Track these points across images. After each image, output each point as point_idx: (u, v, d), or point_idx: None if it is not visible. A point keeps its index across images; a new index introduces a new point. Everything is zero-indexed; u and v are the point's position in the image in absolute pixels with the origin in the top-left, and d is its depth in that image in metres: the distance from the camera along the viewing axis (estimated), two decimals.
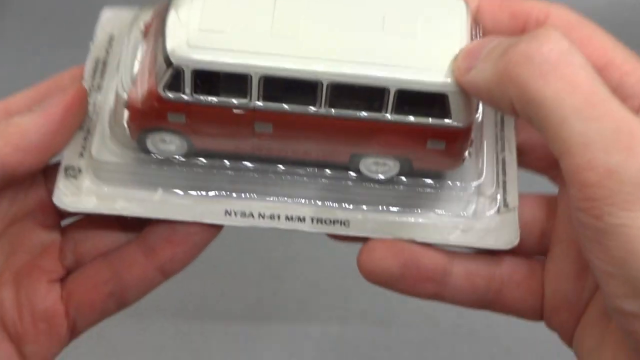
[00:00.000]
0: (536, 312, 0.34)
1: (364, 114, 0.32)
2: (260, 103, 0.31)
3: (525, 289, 0.34)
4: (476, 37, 0.32)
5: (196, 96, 0.31)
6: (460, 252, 0.34)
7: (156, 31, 0.32)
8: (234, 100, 0.31)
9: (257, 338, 0.61)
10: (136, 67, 0.33)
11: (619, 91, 0.30)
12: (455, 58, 0.31)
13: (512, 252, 0.34)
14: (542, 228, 0.34)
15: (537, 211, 0.34)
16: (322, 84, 0.31)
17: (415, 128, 0.32)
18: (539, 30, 0.28)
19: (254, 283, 0.62)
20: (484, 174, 0.35)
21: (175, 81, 0.31)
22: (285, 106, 0.32)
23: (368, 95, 0.31)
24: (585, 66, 0.28)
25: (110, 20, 0.37)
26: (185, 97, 0.31)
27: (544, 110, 0.27)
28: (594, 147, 0.26)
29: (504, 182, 0.35)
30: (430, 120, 0.32)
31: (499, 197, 0.34)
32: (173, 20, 0.31)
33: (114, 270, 0.34)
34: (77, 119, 0.33)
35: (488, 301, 0.34)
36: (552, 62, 0.27)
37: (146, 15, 0.35)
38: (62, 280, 0.34)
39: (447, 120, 0.32)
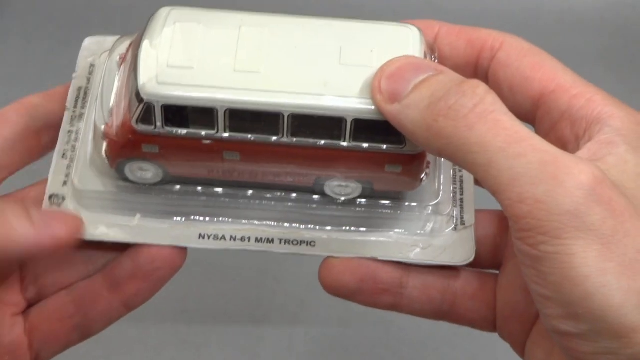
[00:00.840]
0: (490, 323, 0.36)
1: (324, 142, 0.33)
2: (227, 134, 0.33)
3: (479, 301, 0.36)
4: (430, 57, 0.34)
5: (167, 128, 0.33)
6: (416, 265, 0.35)
7: (129, 64, 0.34)
8: (203, 132, 0.33)
9: (256, 337, 0.61)
10: (112, 99, 0.35)
11: (567, 114, 0.32)
12: (377, 75, 0.32)
13: (466, 265, 0.35)
14: (496, 243, 0.36)
15: (491, 227, 0.36)
16: (283, 116, 0.32)
17: (373, 154, 0.34)
18: (467, 83, 0.30)
19: (253, 283, 0.62)
20: (441, 193, 0.36)
21: (147, 115, 0.33)
22: (251, 136, 0.33)
23: (327, 124, 0.33)
24: (507, 112, 0.29)
25: (91, 49, 0.39)
26: (157, 129, 0.33)
27: (472, 155, 0.28)
28: (522, 181, 0.27)
29: (461, 200, 0.37)
30: (385, 147, 0.33)
31: (455, 214, 0.36)
32: (144, 57, 0.33)
33: (78, 304, 0.35)
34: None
35: (443, 313, 0.36)
36: (478, 113, 0.29)
37: (122, 45, 0.37)
38: (24, 312, 0.35)
39: (401, 147, 0.33)
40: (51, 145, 0.36)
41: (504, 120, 0.28)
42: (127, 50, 0.36)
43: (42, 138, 0.36)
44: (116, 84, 0.35)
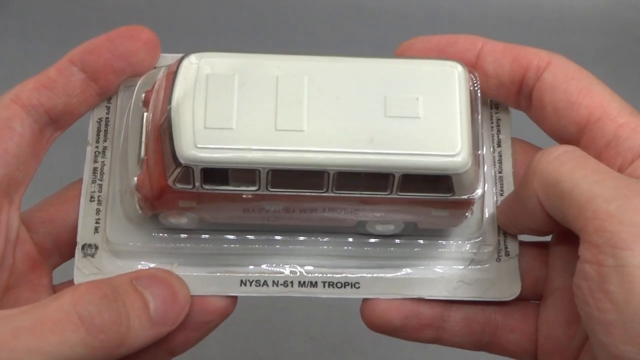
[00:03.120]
0: (530, 356, 0.36)
1: (370, 193, 0.33)
2: (269, 190, 0.32)
3: (520, 333, 0.35)
4: (474, 94, 0.34)
5: (206, 187, 0.32)
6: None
7: (158, 102, 0.33)
8: (243, 188, 0.32)
9: (256, 337, 0.61)
10: (142, 149, 0.33)
11: (613, 144, 0.32)
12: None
13: None
14: (536, 275, 0.36)
15: (531, 259, 0.36)
16: (328, 174, 0.32)
17: (420, 201, 0.33)
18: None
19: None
20: (484, 224, 0.36)
21: (186, 176, 0.32)
22: (294, 192, 0.32)
23: (374, 178, 0.32)
24: (590, 157, 0.31)
25: None
26: (195, 189, 0.32)
27: (561, 184, 0.30)
28: (598, 200, 0.29)
29: (504, 230, 0.36)
30: (434, 195, 0.33)
31: (500, 245, 0.36)
32: (178, 117, 0.31)
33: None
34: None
35: (484, 344, 0.36)
36: (569, 152, 0.31)
37: (145, 82, 0.35)
38: None
39: (449, 195, 0.33)
40: (54, 136, 0.35)
41: (589, 158, 0.31)
42: (152, 88, 0.34)
43: (45, 134, 0.35)
44: (143, 130, 0.34)
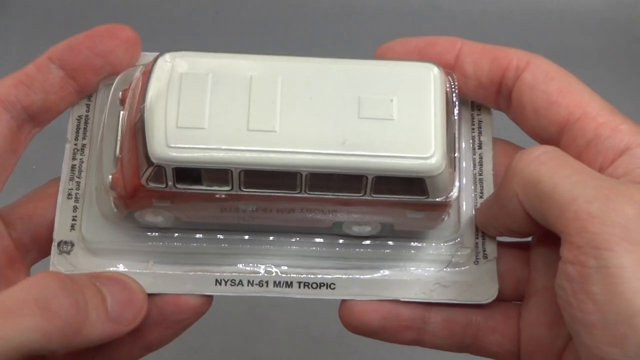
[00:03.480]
0: (513, 356, 0.35)
1: (343, 194, 0.32)
2: (242, 190, 0.32)
3: (501, 334, 0.35)
4: (451, 95, 0.33)
5: (179, 186, 0.32)
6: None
7: (134, 101, 0.33)
8: (216, 188, 0.32)
9: (255, 336, 0.61)
10: (117, 148, 0.33)
11: (593, 144, 0.32)
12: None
13: None
14: (517, 276, 0.35)
15: (512, 260, 0.36)
16: (301, 175, 0.31)
17: (395, 202, 0.33)
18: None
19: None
20: (462, 226, 0.35)
21: (158, 175, 0.32)
22: (267, 192, 0.32)
23: (347, 179, 0.32)
24: (570, 157, 0.31)
25: None
26: (168, 188, 0.32)
27: (541, 184, 0.30)
28: (579, 201, 0.29)
29: (483, 232, 0.36)
30: (408, 198, 0.33)
31: (477, 247, 0.35)
32: (151, 116, 0.31)
33: (100, 349, 0.34)
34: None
35: (466, 346, 0.36)
36: (548, 152, 0.31)
37: (123, 80, 0.35)
38: None
39: (424, 198, 0.33)
40: (33, 133, 0.35)
41: (569, 158, 0.31)
42: (129, 87, 0.34)
43: (24, 131, 0.35)
44: (119, 129, 0.34)
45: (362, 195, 0.32)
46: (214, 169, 0.31)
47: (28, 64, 0.36)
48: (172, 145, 0.31)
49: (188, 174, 0.32)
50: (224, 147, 0.31)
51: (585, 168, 0.30)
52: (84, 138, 0.36)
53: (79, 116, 0.36)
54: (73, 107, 0.36)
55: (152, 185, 0.32)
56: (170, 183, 0.32)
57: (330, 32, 0.71)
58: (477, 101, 0.36)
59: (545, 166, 0.30)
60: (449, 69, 0.34)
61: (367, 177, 0.32)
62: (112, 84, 0.35)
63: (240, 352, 0.61)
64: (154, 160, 0.31)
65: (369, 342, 0.63)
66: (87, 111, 0.36)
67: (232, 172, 0.31)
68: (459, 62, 0.34)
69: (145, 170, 0.32)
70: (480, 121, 0.37)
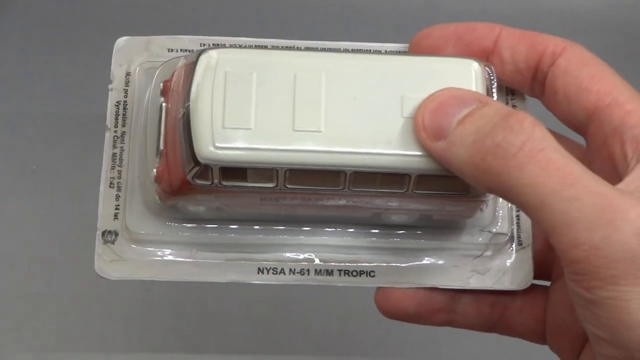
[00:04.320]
0: (539, 337, 0.36)
1: (385, 190, 0.33)
2: (286, 187, 0.33)
3: (527, 314, 0.36)
4: (490, 88, 0.33)
5: (225, 183, 0.32)
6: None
7: (176, 95, 0.33)
8: (262, 185, 0.33)
9: (256, 336, 0.61)
10: (161, 141, 0.34)
11: (619, 131, 0.31)
12: (419, 110, 0.31)
13: None
14: (544, 258, 0.36)
15: (539, 242, 0.36)
16: (345, 174, 0.32)
17: (435, 197, 0.33)
18: (513, 116, 0.29)
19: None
20: (499, 213, 0.36)
21: (204, 173, 0.32)
22: (311, 187, 0.33)
23: (390, 177, 0.32)
24: (558, 148, 0.28)
25: (122, 53, 0.37)
26: (213, 185, 0.33)
27: (524, 197, 0.28)
28: (577, 226, 0.27)
29: (518, 217, 0.36)
30: (449, 193, 0.33)
31: (513, 235, 0.36)
32: (197, 116, 0.32)
33: None
34: None
35: (493, 325, 0.36)
36: (527, 151, 0.28)
37: (165, 70, 0.35)
38: None
39: (466, 194, 0.33)
40: None
41: (555, 158, 0.28)
42: (171, 78, 0.34)
43: None
44: (162, 122, 0.34)
45: (404, 192, 0.33)
46: (260, 168, 0.32)
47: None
48: (219, 146, 0.31)
49: (234, 172, 0.32)
50: (270, 148, 0.31)
51: (574, 170, 0.28)
52: (123, 125, 0.36)
53: (117, 102, 0.36)
54: (111, 90, 0.36)
55: (197, 182, 0.32)
56: (216, 181, 0.32)
57: (330, 32, 0.71)
58: (513, 87, 0.36)
59: (526, 172, 0.28)
60: (487, 54, 0.35)
61: (410, 176, 0.32)
62: (150, 68, 0.36)
63: (241, 353, 0.61)
64: (200, 161, 0.31)
65: (369, 342, 0.63)
66: (125, 97, 0.36)
67: (277, 171, 0.32)
68: (497, 47, 0.34)
69: (192, 169, 0.32)
70: (514, 106, 0.37)
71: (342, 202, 0.34)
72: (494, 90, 0.34)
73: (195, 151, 0.31)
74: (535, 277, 0.36)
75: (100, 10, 0.73)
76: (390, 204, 0.34)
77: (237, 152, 0.31)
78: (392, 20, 0.72)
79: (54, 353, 0.60)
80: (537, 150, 0.28)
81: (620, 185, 0.29)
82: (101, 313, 0.61)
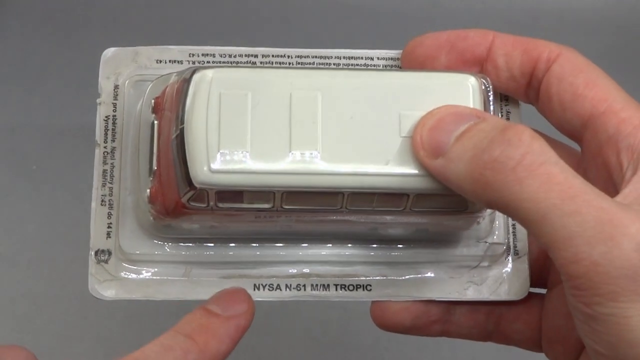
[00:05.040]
0: (535, 344, 0.36)
1: (383, 209, 0.33)
2: (283, 207, 0.32)
3: (523, 322, 0.35)
4: (487, 100, 0.33)
5: (220, 205, 0.32)
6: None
7: (169, 114, 0.32)
8: (258, 205, 0.32)
9: (256, 337, 0.61)
10: (154, 160, 0.33)
11: (614, 140, 0.31)
12: (417, 128, 0.31)
13: None
14: (540, 265, 0.36)
15: (537, 250, 0.36)
16: (343, 194, 0.32)
17: (433, 213, 0.33)
18: (510, 130, 0.28)
19: None
20: (495, 225, 0.36)
21: (200, 197, 0.32)
22: (307, 207, 0.32)
23: (388, 196, 0.32)
24: (557, 162, 0.28)
25: (110, 64, 0.36)
26: (209, 207, 0.32)
27: (523, 211, 0.28)
28: (577, 241, 0.27)
29: (514, 227, 0.36)
30: (447, 210, 0.33)
31: (510, 244, 0.36)
32: (191, 138, 0.31)
33: None
34: None
35: (489, 334, 0.36)
36: (526, 165, 0.28)
37: (155, 87, 0.35)
38: None
39: (464, 210, 0.33)
40: None
41: (555, 172, 0.27)
42: (162, 95, 0.34)
43: None
44: (154, 140, 0.33)
45: (402, 209, 0.33)
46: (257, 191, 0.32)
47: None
48: (215, 169, 0.31)
49: (230, 194, 0.32)
50: (267, 170, 0.31)
51: (574, 184, 0.27)
52: (113, 140, 0.35)
53: (106, 116, 0.35)
54: (99, 104, 0.35)
55: (193, 204, 0.32)
56: (212, 203, 0.32)
57: (330, 32, 0.71)
58: (508, 94, 0.36)
59: (526, 187, 0.27)
60: (481, 62, 0.34)
61: (408, 195, 0.32)
62: (138, 81, 0.35)
63: (240, 353, 0.61)
64: (196, 185, 0.31)
65: (369, 342, 0.63)
66: (114, 111, 0.35)
67: (274, 193, 0.31)
68: (491, 54, 0.34)
69: (187, 192, 0.32)
70: (508, 112, 0.37)
71: (339, 218, 0.33)
72: (491, 103, 0.34)
73: (191, 175, 0.31)
74: (531, 285, 0.36)
75: (100, 11, 0.73)
76: (387, 221, 0.34)
77: (233, 175, 0.31)
78: (392, 20, 0.72)
79: (54, 353, 0.60)
80: (536, 164, 0.28)
81: (619, 198, 0.29)
82: (101, 313, 0.61)
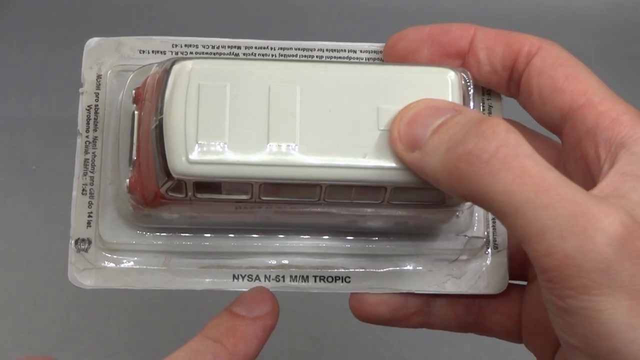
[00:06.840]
0: (515, 336, 0.36)
1: (361, 201, 0.33)
2: (261, 199, 0.32)
3: (503, 314, 0.36)
4: (467, 95, 0.33)
5: (199, 195, 0.32)
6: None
7: (149, 104, 0.33)
8: (236, 197, 0.32)
9: None
10: (134, 150, 0.33)
11: (592, 133, 0.31)
12: (394, 122, 0.31)
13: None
14: (520, 259, 0.35)
15: (516, 242, 0.35)
16: (321, 187, 0.32)
17: (411, 206, 0.33)
18: (485, 123, 0.28)
19: None
20: (474, 218, 0.36)
21: (178, 187, 0.32)
22: (285, 199, 0.33)
23: (366, 189, 0.32)
24: (532, 155, 0.28)
25: (93, 55, 0.36)
26: (187, 197, 0.32)
27: (497, 204, 0.27)
28: (550, 234, 0.26)
29: (494, 221, 0.36)
30: (425, 203, 0.33)
31: (489, 238, 0.36)
32: (170, 129, 0.31)
33: None
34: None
35: (469, 325, 0.36)
36: (500, 158, 0.27)
37: (136, 77, 0.35)
38: None
39: (442, 204, 0.33)
40: None
41: (529, 165, 0.27)
42: (143, 85, 0.34)
43: None
44: (134, 130, 0.34)
45: (380, 202, 0.33)
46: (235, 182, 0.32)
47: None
48: (193, 160, 0.31)
49: (208, 185, 0.32)
50: (245, 162, 0.31)
51: (548, 177, 0.27)
52: (95, 130, 0.35)
53: (88, 106, 0.35)
54: (82, 94, 0.35)
55: (171, 195, 0.32)
56: (190, 194, 0.32)
57: (330, 32, 0.71)
58: (490, 87, 0.36)
59: (500, 179, 0.27)
60: (463, 55, 0.34)
61: (386, 188, 0.32)
62: (120, 69, 0.35)
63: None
64: (174, 175, 0.31)
65: (369, 342, 0.63)
66: (97, 100, 0.35)
67: (252, 184, 0.32)
68: (473, 48, 0.34)
69: (165, 182, 0.32)
70: (490, 106, 0.37)
71: (318, 210, 0.34)
72: (471, 97, 0.34)
73: (169, 165, 0.31)
74: (511, 278, 0.36)
75: (100, 11, 0.73)
76: (365, 213, 0.34)
77: (210, 166, 0.31)
78: (392, 20, 0.72)
79: (54, 353, 0.60)
80: (511, 156, 0.27)
81: (595, 191, 0.29)
82: (101, 313, 0.61)
